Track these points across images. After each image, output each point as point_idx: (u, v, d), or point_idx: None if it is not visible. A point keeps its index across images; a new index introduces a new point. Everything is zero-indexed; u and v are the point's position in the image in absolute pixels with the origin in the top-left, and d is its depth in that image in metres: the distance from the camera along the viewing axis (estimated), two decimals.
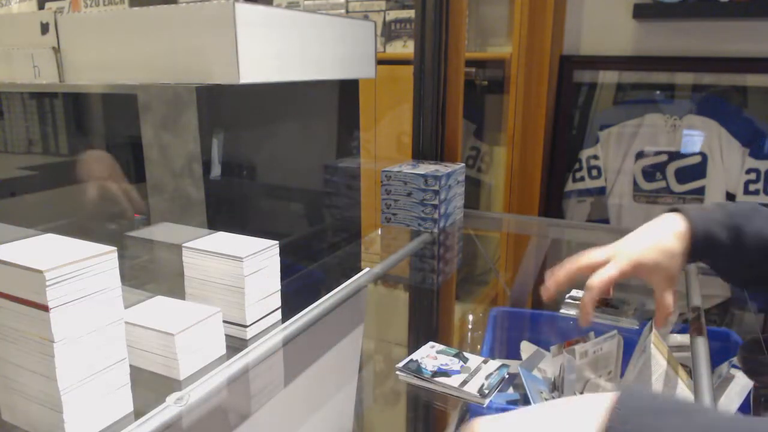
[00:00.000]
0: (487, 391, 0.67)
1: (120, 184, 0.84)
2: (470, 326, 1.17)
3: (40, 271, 0.45)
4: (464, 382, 0.69)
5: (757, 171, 1.64)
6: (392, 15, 1.93)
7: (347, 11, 1.99)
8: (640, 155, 1.77)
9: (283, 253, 0.71)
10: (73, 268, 0.47)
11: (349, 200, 1.11)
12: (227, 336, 0.65)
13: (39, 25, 0.83)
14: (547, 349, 0.87)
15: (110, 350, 0.51)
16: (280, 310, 0.73)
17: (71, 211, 0.90)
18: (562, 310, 0.90)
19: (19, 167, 0.94)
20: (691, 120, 1.71)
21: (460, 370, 0.72)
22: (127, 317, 0.57)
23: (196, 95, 0.73)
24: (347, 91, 1.08)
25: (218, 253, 0.66)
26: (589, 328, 0.77)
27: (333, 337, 0.80)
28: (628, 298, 0.90)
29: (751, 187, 1.65)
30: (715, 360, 0.74)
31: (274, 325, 0.71)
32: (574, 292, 0.91)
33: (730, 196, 1.67)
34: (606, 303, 0.88)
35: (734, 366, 0.79)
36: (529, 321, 1.02)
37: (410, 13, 1.89)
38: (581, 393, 0.78)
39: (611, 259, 0.69)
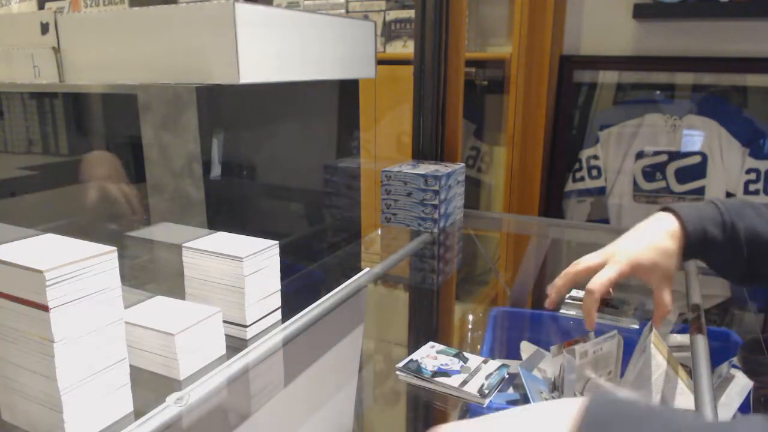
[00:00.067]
0: (487, 391, 0.67)
1: (122, 184, 0.84)
2: (470, 326, 1.17)
3: (40, 271, 0.45)
4: (464, 382, 0.69)
5: (757, 171, 1.64)
6: (392, 15, 1.93)
7: (347, 11, 1.99)
8: (640, 155, 1.77)
9: (283, 253, 0.71)
10: (73, 268, 0.47)
11: (349, 200, 1.11)
12: (227, 336, 0.65)
13: (39, 25, 0.83)
14: (547, 349, 0.87)
15: (110, 350, 0.51)
16: (280, 310, 0.73)
17: (71, 211, 0.90)
18: (562, 310, 0.90)
19: (19, 167, 0.94)
20: (691, 120, 1.71)
21: (460, 370, 0.72)
22: (127, 317, 0.57)
23: (196, 95, 0.73)
24: (347, 91, 1.08)
25: (218, 253, 0.66)
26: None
27: (333, 337, 0.80)
28: (628, 298, 0.90)
29: (751, 187, 1.65)
30: (715, 360, 0.74)
31: (274, 325, 0.71)
32: (574, 293, 0.91)
33: (730, 196, 1.67)
34: (606, 303, 0.88)
35: (734, 366, 0.79)
36: (529, 321, 1.02)
37: (410, 13, 1.89)
38: (581, 393, 0.78)
39: (608, 260, 0.70)
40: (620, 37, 1.76)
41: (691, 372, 0.69)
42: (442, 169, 1.18)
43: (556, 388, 0.80)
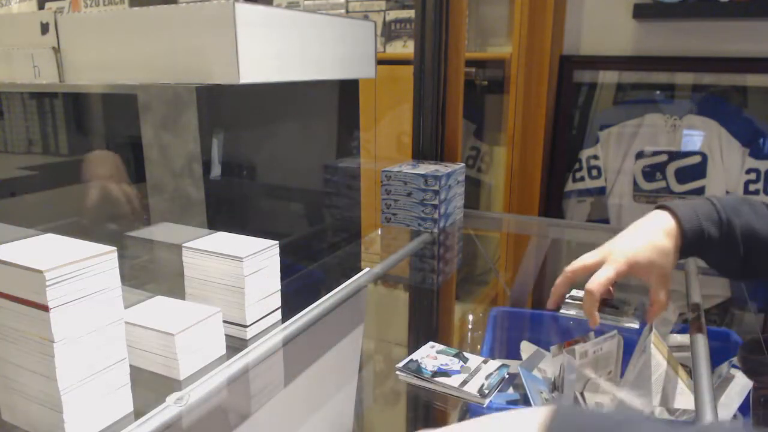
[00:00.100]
0: (487, 391, 0.67)
1: (123, 184, 0.84)
2: (470, 326, 1.17)
3: (40, 271, 0.45)
4: (464, 382, 0.69)
5: (757, 171, 1.64)
6: (392, 15, 1.93)
7: (347, 11, 1.99)
8: (640, 155, 1.77)
9: (283, 253, 0.71)
10: (73, 268, 0.47)
11: (349, 200, 1.11)
12: (227, 336, 0.65)
13: (39, 25, 0.83)
14: (547, 349, 0.87)
15: (110, 350, 0.51)
16: (280, 310, 0.73)
17: (71, 211, 0.89)
18: (562, 310, 0.90)
19: (19, 167, 0.94)
20: (691, 120, 1.71)
21: (460, 370, 0.72)
22: (127, 317, 0.57)
23: (196, 95, 0.73)
24: (347, 91, 1.08)
25: (218, 253, 0.66)
26: (589, 328, 0.77)
27: (333, 337, 0.80)
28: (628, 298, 0.90)
29: (751, 187, 1.65)
30: (715, 360, 0.74)
31: (274, 325, 0.71)
32: (574, 292, 0.91)
33: None
34: (606, 303, 0.88)
35: (734, 366, 0.79)
36: (529, 321, 1.02)
37: (410, 13, 1.89)
38: (581, 393, 0.78)
39: (605, 259, 0.70)
40: (620, 37, 1.76)
41: (691, 372, 0.69)
42: (442, 169, 1.18)
43: (556, 388, 0.80)
